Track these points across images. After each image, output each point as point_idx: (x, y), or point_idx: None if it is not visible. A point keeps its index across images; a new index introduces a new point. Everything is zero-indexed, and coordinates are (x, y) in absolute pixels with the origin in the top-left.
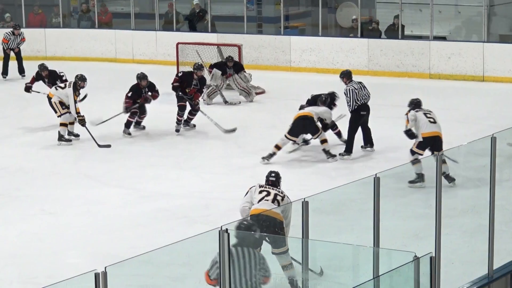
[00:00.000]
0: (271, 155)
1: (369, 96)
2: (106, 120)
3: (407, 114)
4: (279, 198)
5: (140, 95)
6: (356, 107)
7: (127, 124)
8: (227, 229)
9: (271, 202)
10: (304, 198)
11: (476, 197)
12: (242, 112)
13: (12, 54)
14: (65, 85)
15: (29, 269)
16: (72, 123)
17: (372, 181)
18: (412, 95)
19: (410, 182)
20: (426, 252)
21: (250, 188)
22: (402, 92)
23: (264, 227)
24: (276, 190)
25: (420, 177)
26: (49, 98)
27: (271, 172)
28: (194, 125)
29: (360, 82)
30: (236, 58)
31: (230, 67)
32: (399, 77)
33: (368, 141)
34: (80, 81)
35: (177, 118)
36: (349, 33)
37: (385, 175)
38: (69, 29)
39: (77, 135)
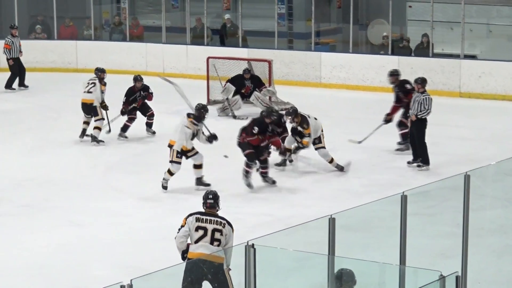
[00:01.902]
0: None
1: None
2: (108, 123)
3: None
4: (217, 235)
5: (135, 98)
6: (424, 117)
7: (124, 128)
8: (253, 244)
9: (210, 243)
10: (331, 215)
11: (504, 217)
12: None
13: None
14: (94, 84)
15: (55, 280)
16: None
17: (399, 199)
18: (442, 114)
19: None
20: (453, 271)
21: (187, 219)
22: (432, 110)
23: (204, 272)
24: (214, 222)
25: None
26: (89, 104)
27: (207, 193)
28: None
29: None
30: (266, 74)
31: (248, 79)
32: None
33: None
34: (100, 73)
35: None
36: (380, 50)
37: (412, 193)
38: (100, 41)
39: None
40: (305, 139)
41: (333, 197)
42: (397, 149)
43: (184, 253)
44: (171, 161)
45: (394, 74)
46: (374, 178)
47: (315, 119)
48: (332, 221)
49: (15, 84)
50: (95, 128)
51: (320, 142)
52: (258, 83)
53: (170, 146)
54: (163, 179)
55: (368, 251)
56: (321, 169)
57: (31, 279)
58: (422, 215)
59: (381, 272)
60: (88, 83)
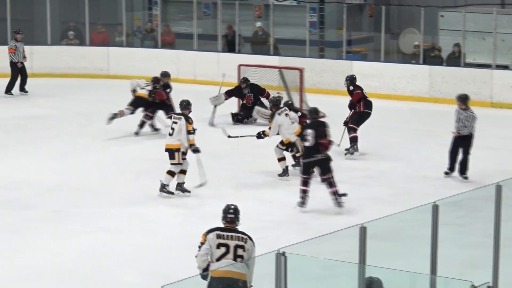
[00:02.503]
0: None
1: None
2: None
3: None
4: (240, 251)
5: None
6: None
7: (141, 125)
8: (283, 252)
9: (233, 260)
10: (362, 224)
11: None
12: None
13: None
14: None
15: (84, 286)
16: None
17: (430, 208)
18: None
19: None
20: (484, 282)
21: (206, 235)
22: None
23: None
24: (235, 238)
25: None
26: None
27: (228, 207)
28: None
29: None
30: (297, 82)
31: (246, 88)
32: None
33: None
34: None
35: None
36: (411, 60)
37: (443, 202)
38: (132, 48)
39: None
40: (267, 130)
41: (363, 206)
42: (346, 153)
43: (204, 271)
44: (177, 163)
45: None
46: (404, 187)
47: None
48: (363, 230)
49: (15, 90)
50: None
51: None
52: (258, 91)
53: (174, 149)
54: (164, 184)
55: (398, 261)
56: (352, 178)
57: (60, 284)
58: (452, 225)
59: (412, 282)
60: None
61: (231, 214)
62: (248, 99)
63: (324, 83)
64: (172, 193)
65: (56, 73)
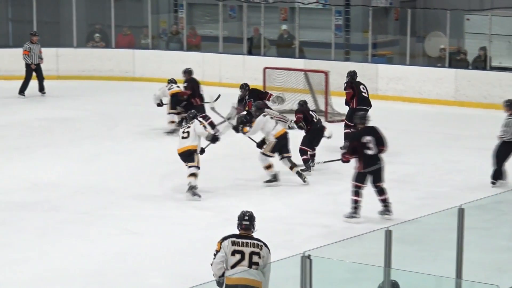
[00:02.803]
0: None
1: None
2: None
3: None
4: (255, 258)
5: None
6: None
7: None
8: (309, 255)
9: (248, 267)
10: (388, 227)
11: None
12: (327, 140)
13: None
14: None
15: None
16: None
17: (456, 212)
18: (499, 127)
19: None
20: (510, 286)
21: (221, 243)
22: (488, 124)
23: None
24: (250, 245)
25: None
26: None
27: (243, 214)
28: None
29: None
30: (323, 85)
31: (245, 93)
32: (486, 109)
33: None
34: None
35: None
36: (437, 63)
37: (469, 206)
38: (157, 50)
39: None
40: (246, 128)
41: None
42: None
43: (220, 279)
44: (197, 166)
45: None
46: (430, 191)
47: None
48: (388, 234)
49: (30, 91)
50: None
51: (263, 145)
52: (257, 95)
53: (192, 150)
54: (192, 187)
55: (424, 264)
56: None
57: (87, 286)
58: (478, 229)
59: (438, 286)
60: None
61: (246, 221)
62: (249, 104)
63: None
64: (199, 195)
65: (82, 75)
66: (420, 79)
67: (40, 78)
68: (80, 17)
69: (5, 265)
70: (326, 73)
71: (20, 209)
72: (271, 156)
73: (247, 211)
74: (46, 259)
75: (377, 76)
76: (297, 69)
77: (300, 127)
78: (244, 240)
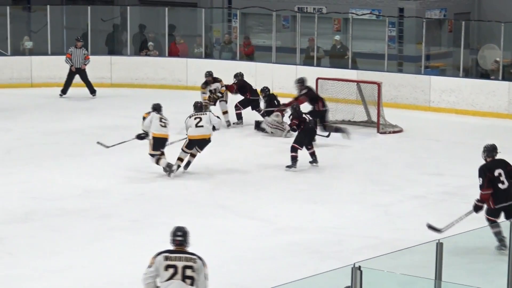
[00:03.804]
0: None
1: None
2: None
3: None
4: (188, 272)
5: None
6: None
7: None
8: (359, 267)
9: (182, 281)
10: (439, 240)
11: None
12: (379, 151)
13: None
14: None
15: None
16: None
17: (508, 225)
18: None
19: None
20: None
21: (155, 258)
22: None
23: None
24: (184, 259)
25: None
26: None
27: (177, 229)
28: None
29: None
30: (375, 96)
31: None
32: None
33: None
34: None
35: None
36: (490, 75)
37: None
38: (210, 59)
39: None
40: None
41: (439, 221)
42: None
43: None
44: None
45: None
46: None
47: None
48: (439, 246)
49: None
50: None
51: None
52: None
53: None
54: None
55: (475, 277)
56: (430, 193)
57: None
58: None
59: None
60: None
61: (179, 237)
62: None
63: (402, 97)
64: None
65: (135, 84)
66: (473, 92)
67: (86, 82)
68: (134, 26)
69: (55, 272)
70: (378, 84)
71: (71, 216)
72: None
73: (181, 227)
74: (95, 266)
75: (430, 88)
76: (349, 80)
77: (294, 130)
78: (177, 255)
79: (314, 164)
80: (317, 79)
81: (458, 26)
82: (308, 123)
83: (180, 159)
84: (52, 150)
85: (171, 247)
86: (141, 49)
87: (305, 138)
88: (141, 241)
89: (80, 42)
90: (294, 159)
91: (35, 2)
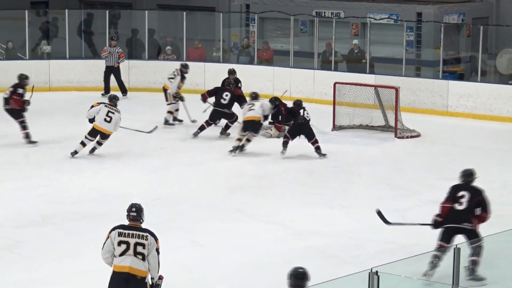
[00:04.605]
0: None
1: None
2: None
3: None
4: (139, 248)
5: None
6: None
7: (201, 128)
8: (377, 271)
9: (133, 256)
10: (456, 245)
11: None
12: (397, 155)
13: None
14: (174, 75)
15: None
16: (177, 110)
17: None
18: None
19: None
20: None
21: (110, 233)
22: None
23: (127, 285)
24: (136, 236)
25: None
26: (165, 90)
27: (131, 206)
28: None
29: None
30: (393, 100)
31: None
32: None
33: None
34: (184, 68)
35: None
36: (508, 80)
37: None
38: (228, 64)
39: (180, 120)
40: None
41: None
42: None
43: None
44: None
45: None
46: (499, 209)
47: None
48: (457, 251)
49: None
50: (167, 112)
51: None
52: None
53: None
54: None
55: (492, 283)
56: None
57: None
58: None
59: None
60: (174, 73)
61: (133, 212)
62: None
63: (420, 102)
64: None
65: (153, 88)
66: (491, 96)
67: (118, 81)
68: (152, 30)
69: (72, 275)
70: (396, 89)
71: (88, 220)
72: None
73: (136, 203)
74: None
75: (447, 93)
76: (367, 85)
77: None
78: (130, 231)
79: (321, 156)
80: (335, 83)
81: (476, 31)
82: (298, 119)
83: (239, 139)
84: (70, 154)
85: (127, 222)
86: (159, 53)
87: (294, 131)
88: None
89: (114, 41)
90: (284, 144)
91: (54, 6)
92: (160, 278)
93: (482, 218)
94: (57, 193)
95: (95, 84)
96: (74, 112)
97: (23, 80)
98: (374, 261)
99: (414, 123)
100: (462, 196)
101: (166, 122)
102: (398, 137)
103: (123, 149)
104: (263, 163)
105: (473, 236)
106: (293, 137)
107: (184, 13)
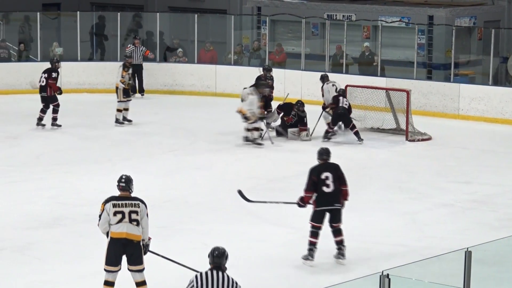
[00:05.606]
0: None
1: None
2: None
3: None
4: (134, 216)
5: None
6: None
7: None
8: (388, 274)
9: (129, 223)
10: (467, 248)
11: None
12: (408, 158)
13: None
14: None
15: None
16: (126, 109)
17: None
18: None
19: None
20: None
21: (104, 205)
22: None
23: (125, 249)
24: (129, 205)
25: None
26: (117, 87)
27: (120, 177)
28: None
29: None
30: (404, 103)
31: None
32: None
33: None
34: (127, 58)
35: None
36: None
37: None
38: (239, 66)
39: (130, 121)
40: None
41: (467, 229)
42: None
43: (107, 235)
44: None
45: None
46: (509, 212)
47: None
48: (468, 254)
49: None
50: (117, 110)
51: None
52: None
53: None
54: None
55: (504, 286)
56: (458, 201)
57: None
58: None
59: None
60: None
61: (122, 183)
62: (290, 119)
63: (431, 105)
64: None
65: (164, 90)
66: (503, 100)
67: (139, 79)
68: (164, 32)
69: (82, 277)
70: (407, 92)
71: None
72: None
73: (125, 175)
74: (123, 272)
75: (459, 96)
76: (378, 87)
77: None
78: (123, 201)
79: (360, 141)
80: (346, 86)
81: (487, 34)
82: (337, 108)
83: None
84: (81, 156)
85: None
86: (170, 55)
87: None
88: (169, 247)
89: (137, 40)
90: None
91: (65, 8)
92: (149, 239)
93: (345, 195)
94: (68, 195)
95: (106, 86)
96: (85, 114)
97: (54, 63)
98: (385, 264)
99: (425, 126)
100: (326, 178)
101: (117, 121)
102: (409, 140)
103: (134, 152)
104: (273, 166)
105: (338, 214)
106: (334, 125)
107: (196, 15)
